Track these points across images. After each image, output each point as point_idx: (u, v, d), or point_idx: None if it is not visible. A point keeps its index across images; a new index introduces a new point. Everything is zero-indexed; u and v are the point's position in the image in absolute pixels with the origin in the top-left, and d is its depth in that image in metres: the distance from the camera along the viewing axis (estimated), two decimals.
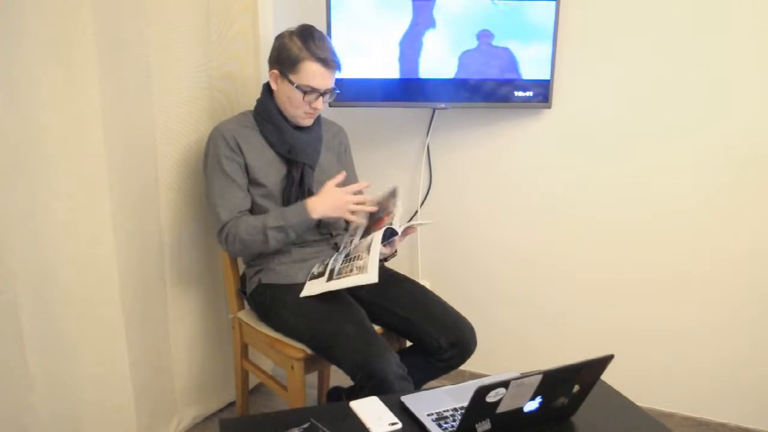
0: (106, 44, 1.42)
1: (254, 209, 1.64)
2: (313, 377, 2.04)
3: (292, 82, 1.55)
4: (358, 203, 1.51)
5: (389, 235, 1.50)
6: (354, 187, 1.54)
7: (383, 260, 1.67)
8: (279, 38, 1.58)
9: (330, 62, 1.54)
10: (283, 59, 1.55)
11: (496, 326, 2.18)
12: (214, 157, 1.59)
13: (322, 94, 1.57)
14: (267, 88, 1.65)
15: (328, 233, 1.70)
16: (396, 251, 1.62)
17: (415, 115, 2.12)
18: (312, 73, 1.53)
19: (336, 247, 1.70)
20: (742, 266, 1.85)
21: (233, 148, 1.58)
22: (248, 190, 1.62)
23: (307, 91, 1.55)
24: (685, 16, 1.77)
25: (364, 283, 1.41)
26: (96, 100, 1.40)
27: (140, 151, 1.60)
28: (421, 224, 1.57)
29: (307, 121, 1.63)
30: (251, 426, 1.18)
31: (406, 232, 1.54)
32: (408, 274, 1.75)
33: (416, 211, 2.19)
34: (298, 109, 1.59)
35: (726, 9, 1.72)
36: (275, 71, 1.58)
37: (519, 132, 2.02)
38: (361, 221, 1.57)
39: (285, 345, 1.57)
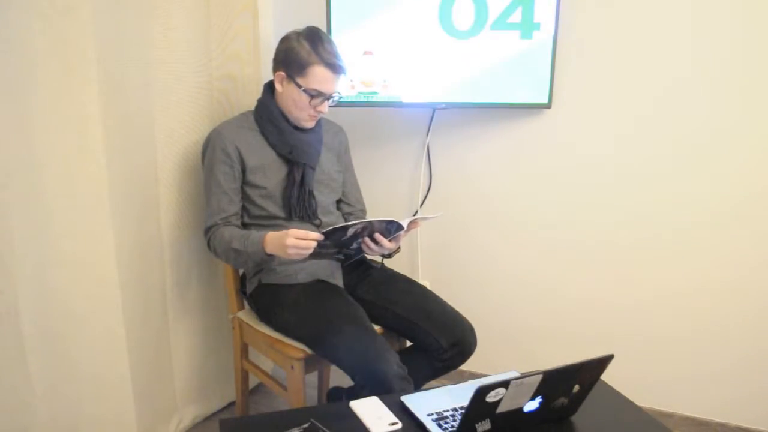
0: (106, 44, 1.42)
1: (254, 210, 1.64)
2: (313, 377, 2.04)
3: (299, 86, 1.55)
4: (297, 239, 1.39)
5: (394, 230, 1.50)
6: (300, 233, 1.41)
7: (386, 256, 1.67)
8: (285, 40, 1.57)
9: (337, 67, 1.55)
10: (290, 62, 1.55)
11: (496, 326, 2.18)
12: (209, 161, 1.61)
13: (327, 98, 1.58)
14: (268, 88, 1.65)
15: None
16: (399, 247, 1.62)
17: (415, 115, 2.12)
18: (321, 77, 1.54)
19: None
20: (742, 267, 1.85)
21: (229, 154, 1.58)
22: (244, 192, 1.63)
23: (314, 95, 1.55)
24: (686, 16, 1.76)
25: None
26: (96, 100, 1.40)
27: (140, 151, 1.60)
28: (425, 218, 1.56)
29: (310, 124, 1.63)
30: (251, 426, 1.18)
31: (410, 227, 1.54)
32: (408, 274, 1.75)
33: (416, 211, 2.19)
34: (303, 112, 1.59)
35: (726, 9, 1.72)
36: (282, 73, 1.58)
37: (519, 132, 2.02)
38: (298, 255, 1.45)
39: (285, 345, 1.57)
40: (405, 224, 1.49)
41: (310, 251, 1.41)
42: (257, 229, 1.64)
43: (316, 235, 1.40)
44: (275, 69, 1.60)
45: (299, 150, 1.62)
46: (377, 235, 1.49)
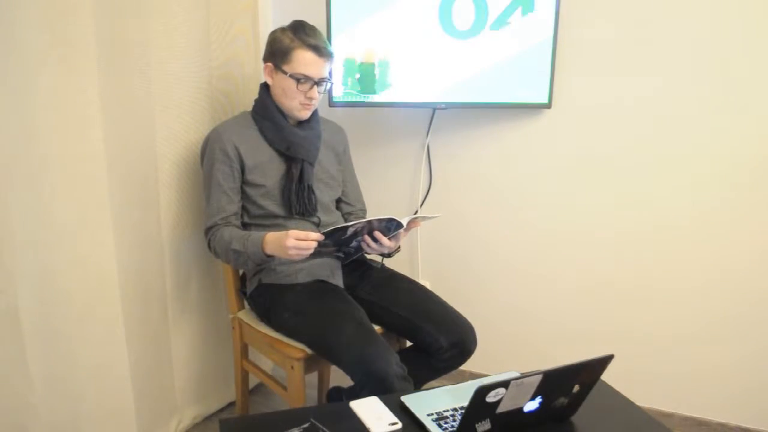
0: (106, 44, 1.42)
1: (254, 209, 1.64)
2: (313, 377, 2.04)
3: (285, 72, 1.56)
4: (298, 240, 1.39)
5: (394, 228, 1.50)
6: (300, 234, 1.41)
7: (387, 255, 1.67)
8: (271, 34, 1.60)
9: (322, 50, 1.55)
10: (275, 51, 1.57)
11: (496, 326, 2.18)
12: (209, 161, 1.62)
13: (317, 83, 1.58)
14: (264, 87, 1.66)
15: None
16: (399, 247, 1.62)
17: (415, 115, 2.12)
18: (304, 60, 1.54)
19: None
20: (742, 267, 1.85)
21: (227, 153, 1.59)
22: (244, 192, 1.63)
23: (300, 79, 1.55)
24: (686, 16, 1.76)
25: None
26: (96, 100, 1.40)
27: (140, 151, 1.60)
28: (425, 218, 1.56)
29: (304, 113, 1.63)
30: (251, 426, 1.18)
31: (409, 226, 1.54)
32: (408, 274, 1.76)
33: (416, 211, 2.19)
34: (294, 101, 1.59)
35: (727, 10, 1.72)
36: (269, 64, 1.60)
37: (519, 132, 2.02)
38: (298, 256, 1.45)
39: (285, 345, 1.57)
40: (405, 222, 1.49)
41: (311, 251, 1.41)
42: (257, 229, 1.64)
43: (317, 236, 1.40)
44: (264, 63, 1.61)
45: (297, 146, 1.62)
46: (377, 234, 1.49)
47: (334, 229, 1.41)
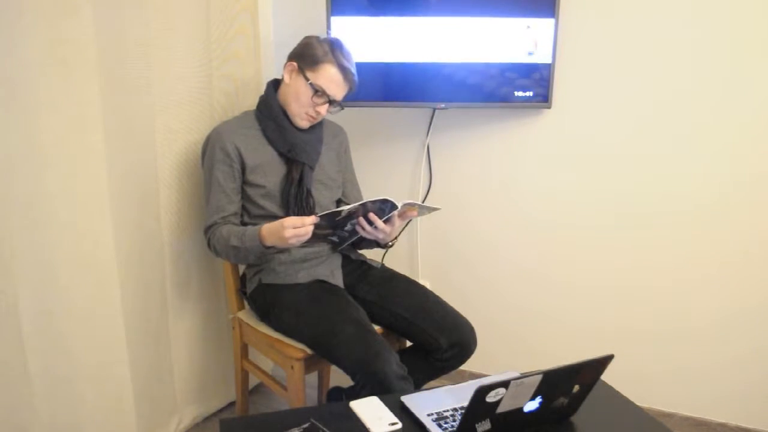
0: (106, 44, 1.42)
1: (254, 209, 1.64)
2: (313, 377, 2.04)
3: (307, 78, 1.56)
4: (295, 227, 1.41)
5: (388, 210, 1.49)
6: (296, 221, 1.42)
7: (382, 246, 1.67)
8: (307, 38, 1.61)
9: (349, 74, 1.57)
10: (305, 54, 1.58)
11: (496, 326, 2.18)
12: (209, 160, 1.62)
13: (330, 102, 1.59)
14: (272, 86, 1.66)
15: None
16: (396, 238, 1.61)
17: (415, 115, 2.12)
18: (329, 76, 1.56)
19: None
20: (742, 266, 1.85)
21: (228, 153, 1.59)
22: (244, 192, 1.63)
23: (318, 91, 1.56)
24: (686, 15, 1.77)
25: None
26: (96, 100, 1.40)
27: (140, 151, 1.60)
28: (422, 207, 1.54)
29: (304, 124, 1.63)
30: (251, 426, 1.18)
31: (406, 213, 1.53)
32: (408, 274, 1.76)
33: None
34: (302, 108, 1.59)
35: (727, 8, 1.72)
36: (294, 63, 1.60)
37: (519, 132, 2.03)
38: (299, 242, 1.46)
39: (285, 345, 1.57)
40: (399, 204, 1.48)
41: (309, 236, 1.42)
42: None
43: (312, 219, 1.41)
44: (288, 60, 1.61)
45: (299, 148, 1.62)
46: (371, 216, 1.49)
47: (329, 212, 1.42)
